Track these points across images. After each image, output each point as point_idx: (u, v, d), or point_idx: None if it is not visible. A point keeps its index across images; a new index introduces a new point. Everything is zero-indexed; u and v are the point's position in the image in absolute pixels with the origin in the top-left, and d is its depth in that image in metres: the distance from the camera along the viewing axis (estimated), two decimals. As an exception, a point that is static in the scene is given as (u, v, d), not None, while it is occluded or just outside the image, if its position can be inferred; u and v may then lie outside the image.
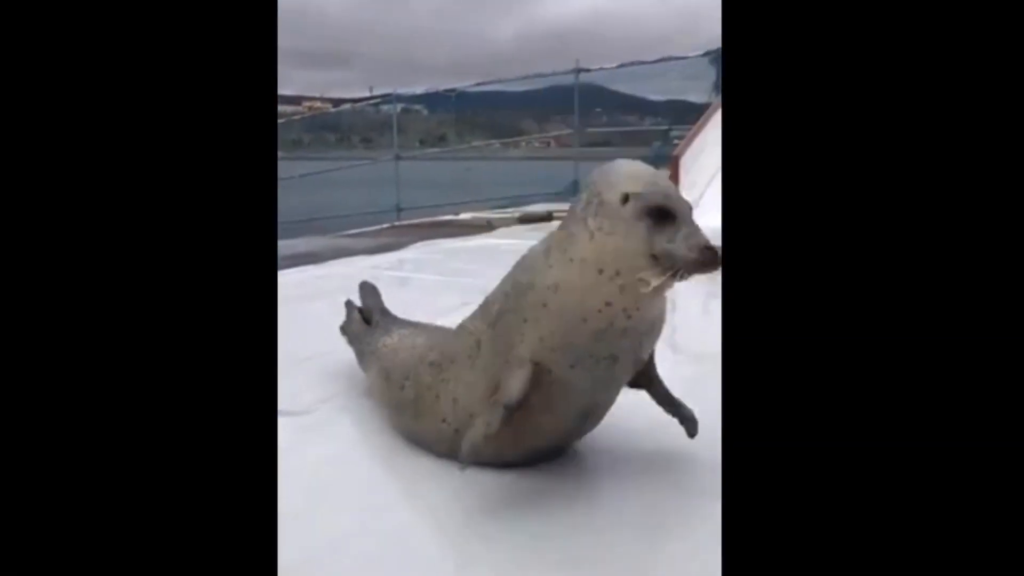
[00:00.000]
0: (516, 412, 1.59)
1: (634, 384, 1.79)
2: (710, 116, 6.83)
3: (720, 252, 1.40)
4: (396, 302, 2.68)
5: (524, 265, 1.69)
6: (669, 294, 1.60)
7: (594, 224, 1.53)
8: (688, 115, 8.74)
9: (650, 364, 1.80)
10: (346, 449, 1.98)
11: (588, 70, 11.00)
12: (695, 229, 1.48)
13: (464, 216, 9.50)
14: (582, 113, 11.35)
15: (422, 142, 14.36)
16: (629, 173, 1.56)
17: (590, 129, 11.99)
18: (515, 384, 1.60)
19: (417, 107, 13.72)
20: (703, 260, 1.44)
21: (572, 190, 11.02)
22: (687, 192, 6.55)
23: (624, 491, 1.70)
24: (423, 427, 1.87)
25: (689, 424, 1.82)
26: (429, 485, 1.73)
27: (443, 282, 4.68)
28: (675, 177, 5.96)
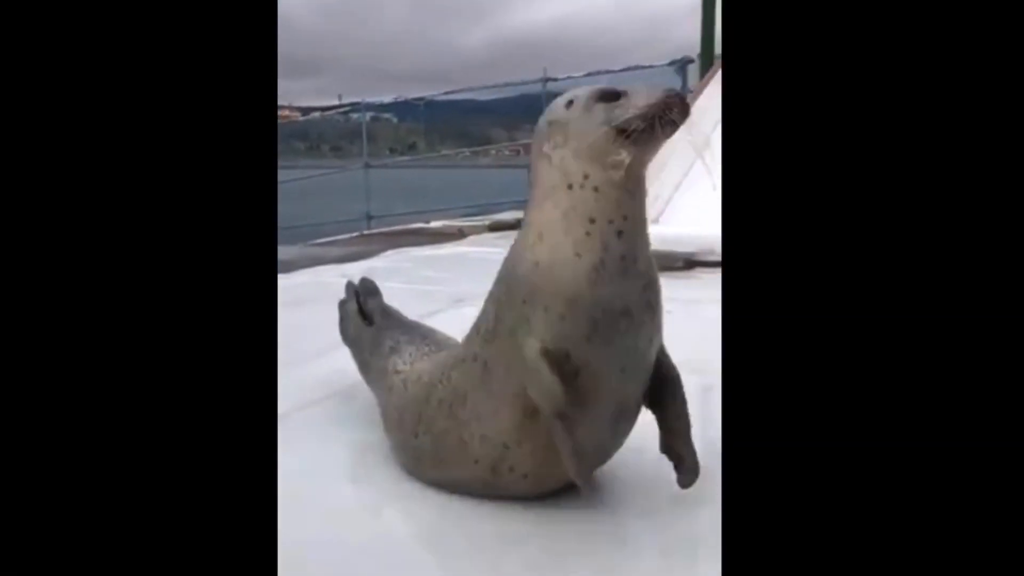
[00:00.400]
0: (568, 415, 1.42)
1: (654, 401, 1.59)
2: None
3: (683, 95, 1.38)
4: (367, 311, 2.68)
5: (506, 261, 1.57)
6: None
7: (549, 147, 1.47)
8: (655, 123, 8.84)
9: (669, 368, 1.60)
10: (319, 461, 1.96)
11: (556, 79, 11.07)
12: (648, 87, 1.43)
13: (435, 224, 9.49)
14: (551, 121, 11.40)
15: (392, 150, 14.38)
16: (562, 96, 1.52)
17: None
18: (545, 384, 1.42)
19: (387, 115, 13.75)
20: (668, 98, 1.38)
21: (542, 198, 11.04)
22: (652, 201, 6.57)
23: (625, 514, 1.59)
24: (451, 474, 1.67)
25: (687, 475, 1.59)
26: (421, 506, 1.66)
27: (414, 290, 4.67)
28: (642, 185, 6.01)
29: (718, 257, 5.43)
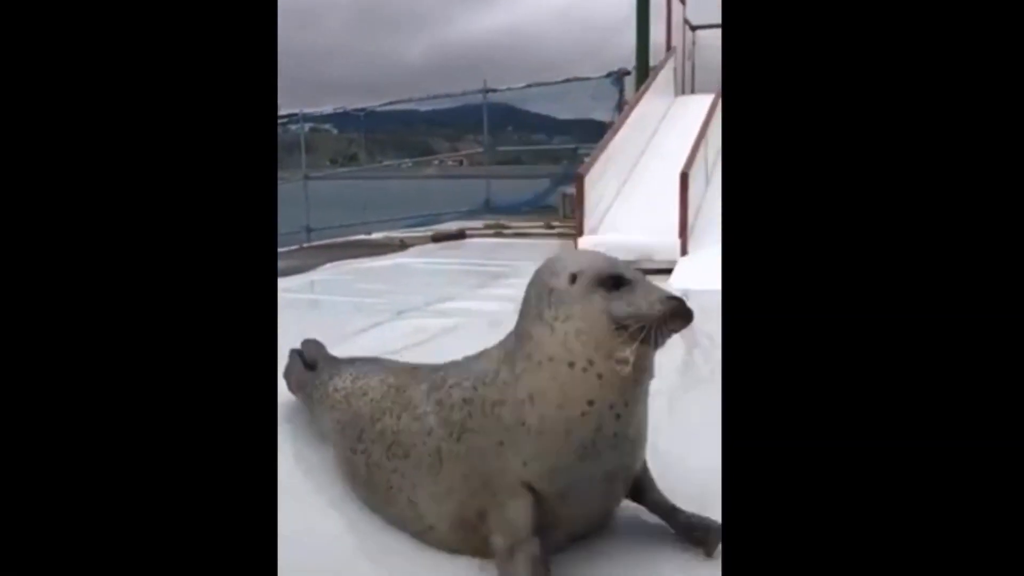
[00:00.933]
0: (540, 554, 1.40)
1: (630, 495, 1.61)
2: (613, 135, 7.04)
3: (685, 301, 1.34)
4: (306, 326, 2.63)
5: (481, 374, 1.50)
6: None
7: (550, 315, 1.40)
8: (595, 134, 8.98)
9: (644, 472, 1.61)
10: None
11: (496, 90, 11.14)
12: (652, 286, 1.39)
13: (376, 236, 9.41)
14: (493, 131, 11.46)
15: (332, 161, 14.14)
16: (570, 257, 1.50)
17: (501, 148, 12.12)
18: (521, 514, 1.41)
19: (326, 126, 13.52)
20: (671, 309, 1.33)
21: (484, 208, 11.11)
22: (591, 210, 6.67)
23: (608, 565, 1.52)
24: (378, 508, 1.69)
25: (708, 545, 1.52)
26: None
27: (355, 303, 4.62)
28: (580, 194, 6.10)
29: (657, 264, 5.56)
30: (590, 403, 1.38)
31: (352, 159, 13.33)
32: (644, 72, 9.51)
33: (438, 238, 8.32)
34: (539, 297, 1.44)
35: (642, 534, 1.59)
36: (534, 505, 1.41)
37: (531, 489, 1.42)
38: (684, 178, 5.79)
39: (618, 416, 1.40)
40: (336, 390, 1.95)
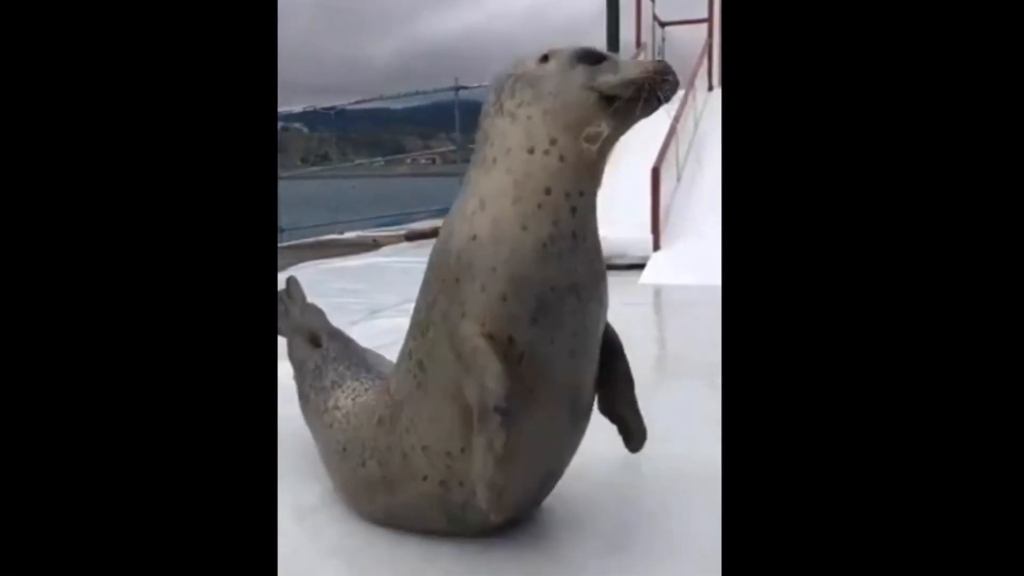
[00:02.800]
0: (511, 410, 1.22)
1: (602, 380, 1.44)
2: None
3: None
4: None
5: (439, 237, 1.38)
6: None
7: (513, 103, 1.28)
8: (567, 131, 9.00)
9: (609, 331, 1.44)
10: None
11: (468, 87, 11.11)
12: (632, 60, 1.29)
13: (349, 235, 9.34)
14: (465, 129, 11.44)
15: (303, 160, 14.03)
16: (535, 50, 1.34)
17: (473, 145, 12.09)
18: (485, 372, 1.22)
19: (296, 125, 13.42)
20: (661, 67, 1.24)
21: (458, 206, 11.06)
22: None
23: (614, 567, 1.45)
24: (404, 500, 1.47)
25: (635, 440, 1.49)
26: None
27: (328, 303, 4.57)
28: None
29: (629, 260, 5.58)
30: (547, 191, 1.25)
31: (323, 158, 13.23)
32: (615, 69, 9.54)
33: (411, 237, 8.28)
34: (499, 90, 1.31)
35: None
36: (495, 353, 1.23)
37: (496, 339, 1.24)
38: (655, 174, 5.83)
39: (573, 209, 1.26)
40: (337, 407, 1.72)
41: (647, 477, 1.79)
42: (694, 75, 8.16)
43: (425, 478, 1.40)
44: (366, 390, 1.69)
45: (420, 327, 1.38)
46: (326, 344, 1.95)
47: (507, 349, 1.25)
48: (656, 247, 5.68)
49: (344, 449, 1.63)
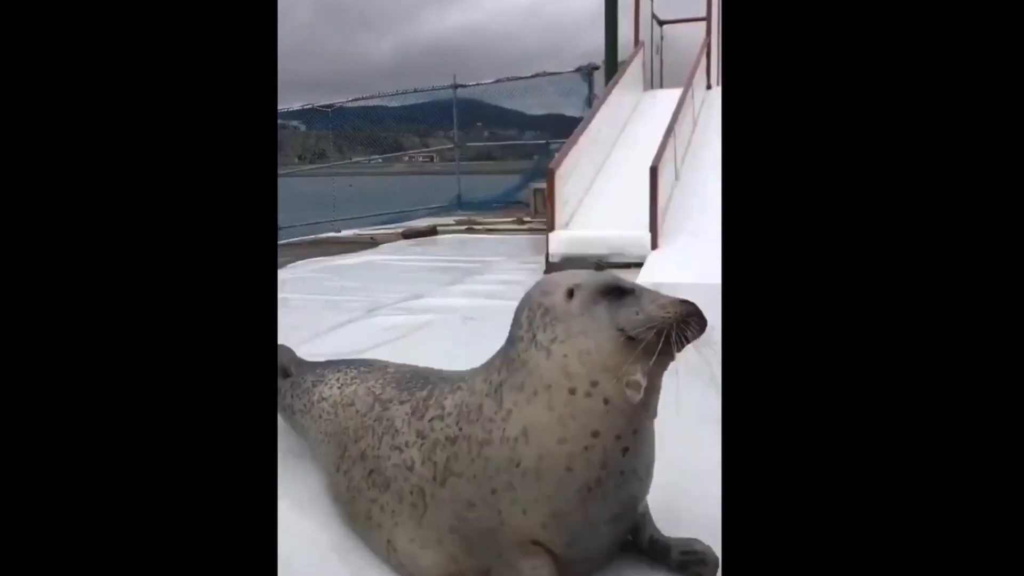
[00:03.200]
0: None
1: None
2: (583, 130, 7.06)
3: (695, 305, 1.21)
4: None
5: (464, 407, 1.34)
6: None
7: (546, 337, 1.25)
8: (565, 128, 9.01)
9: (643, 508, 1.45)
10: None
11: (466, 85, 11.11)
12: (658, 293, 1.26)
13: (346, 233, 9.34)
14: (464, 127, 11.44)
15: (300, 158, 13.98)
16: (563, 276, 1.34)
17: (471, 143, 12.10)
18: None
19: (294, 123, 13.35)
20: (686, 310, 1.21)
21: (455, 204, 11.09)
22: (562, 205, 6.67)
23: (612, 569, 1.44)
24: (360, 532, 1.56)
25: (700, 566, 1.41)
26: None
27: (326, 301, 4.59)
28: (551, 190, 6.11)
29: (627, 259, 5.58)
30: (594, 435, 1.21)
31: (321, 156, 13.20)
32: (613, 67, 9.56)
33: (409, 235, 8.28)
34: (531, 320, 1.29)
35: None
36: (551, 562, 1.26)
37: (541, 544, 1.27)
38: (654, 172, 5.82)
39: (625, 449, 1.24)
40: (323, 399, 1.78)
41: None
42: (692, 74, 8.16)
43: (378, 546, 1.48)
44: (352, 379, 1.74)
45: (430, 468, 1.36)
46: (295, 371, 2.05)
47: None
48: (654, 246, 5.68)
49: (328, 443, 1.67)
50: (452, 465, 1.32)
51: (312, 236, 9.19)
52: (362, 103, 12.63)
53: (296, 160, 13.43)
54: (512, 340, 1.31)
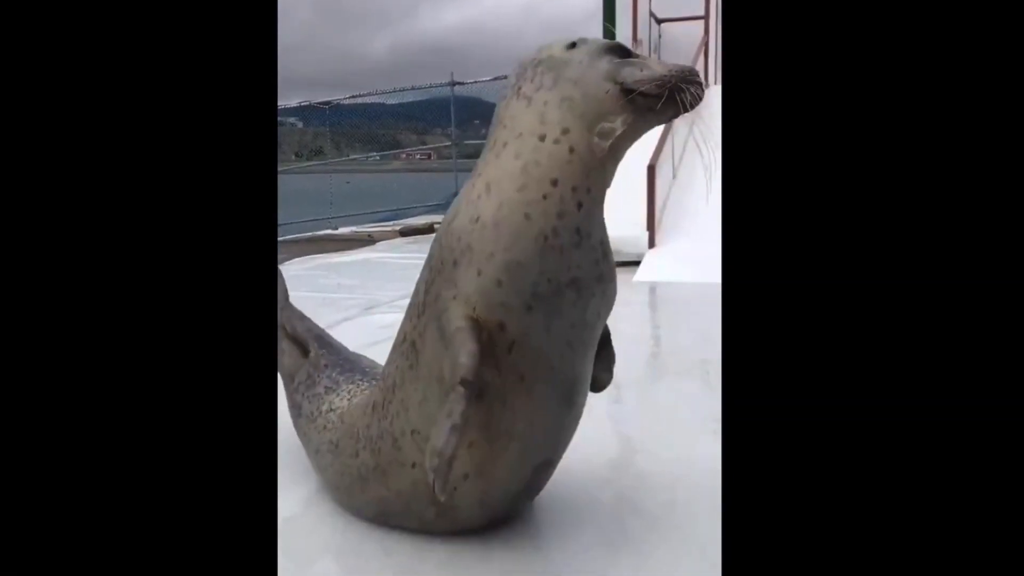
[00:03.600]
0: (475, 386, 1.22)
1: None
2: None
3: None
4: (274, 321, 2.58)
5: (444, 217, 1.36)
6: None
7: (531, 87, 1.26)
8: (563, 127, 9.00)
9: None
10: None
11: (464, 83, 11.10)
12: (661, 61, 1.27)
13: (343, 230, 9.33)
14: (461, 125, 11.42)
15: (298, 155, 13.97)
16: (565, 37, 1.32)
17: (469, 141, 12.09)
18: (460, 350, 1.21)
19: (291, 120, 13.34)
20: (687, 71, 1.22)
21: (453, 201, 11.05)
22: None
23: (610, 566, 1.43)
24: (395, 489, 1.44)
25: (604, 374, 1.47)
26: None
27: (322, 299, 4.58)
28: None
29: (624, 257, 5.58)
30: (553, 182, 1.22)
31: (318, 153, 13.19)
32: (611, 65, 9.54)
33: (406, 232, 8.28)
34: (520, 73, 1.29)
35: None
36: (479, 340, 1.22)
37: (485, 322, 1.23)
38: (651, 171, 5.82)
39: (580, 204, 1.24)
40: (332, 409, 1.69)
41: (644, 474, 1.79)
42: (690, 72, 8.15)
43: (414, 465, 1.38)
44: (362, 391, 1.67)
45: (416, 308, 1.37)
46: (315, 351, 1.90)
47: (496, 335, 1.24)
48: (651, 244, 5.68)
49: (337, 446, 1.61)
50: (429, 275, 1.32)
51: (309, 233, 9.18)
52: (360, 100, 12.63)
53: (293, 157, 13.42)
54: (495, 113, 1.32)
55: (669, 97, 1.21)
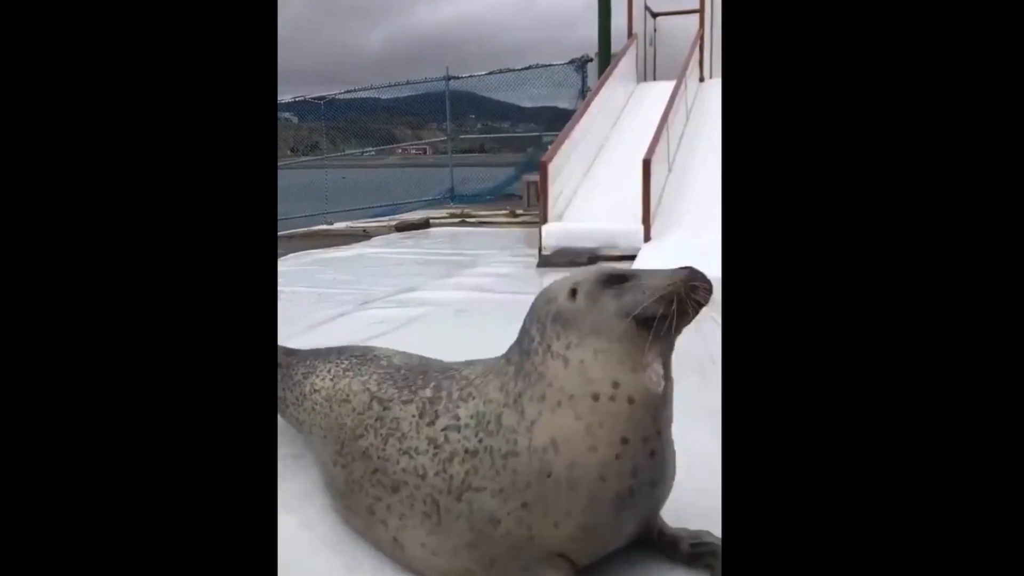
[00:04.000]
0: None
1: None
2: (576, 123, 7.05)
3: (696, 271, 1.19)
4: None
5: (480, 417, 1.30)
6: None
7: (560, 346, 1.24)
8: (558, 121, 9.00)
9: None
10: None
11: (458, 77, 11.08)
12: (656, 270, 1.25)
13: (339, 225, 9.31)
14: (457, 119, 11.42)
15: (293, 150, 13.95)
16: (560, 281, 1.32)
17: (464, 135, 12.08)
18: None
19: (286, 115, 13.32)
20: (688, 275, 1.19)
21: (448, 196, 11.07)
22: (555, 198, 6.66)
23: (607, 562, 1.40)
24: (358, 526, 1.53)
25: (714, 564, 1.40)
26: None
27: (318, 294, 4.57)
28: (543, 182, 6.10)
29: (620, 251, 5.59)
30: (624, 441, 1.20)
31: (313, 148, 13.16)
32: (606, 59, 9.54)
33: (402, 227, 8.26)
34: (542, 330, 1.27)
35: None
36: (573, 573, 1.25)
37: (565, 557, 1.25)
38: (647, 165, 5.82)
39: (652, 452, 1.23)
40: (315, 390, 1.74)
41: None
42: (685, 66, 8.15)
43: (380, 544, 1.46)
44: (344, 371, 1.70)
45: (445, 479, 1.32)
46: (285, 360, 1.97)
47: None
48: (647, 238, 5.69)
49: (325, 437, 1.64)
50: (471, 479, 1.28)
51: (304, 228, 9.16)
52: (355, 95, 12.61)
53: (289, 152, 13.39)
54: (526, 352, 1.29)
55: (680, 310, 1.18)
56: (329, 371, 1.75)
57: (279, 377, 1.93)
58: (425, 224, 8.62)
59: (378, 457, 1.45)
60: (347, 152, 13.33)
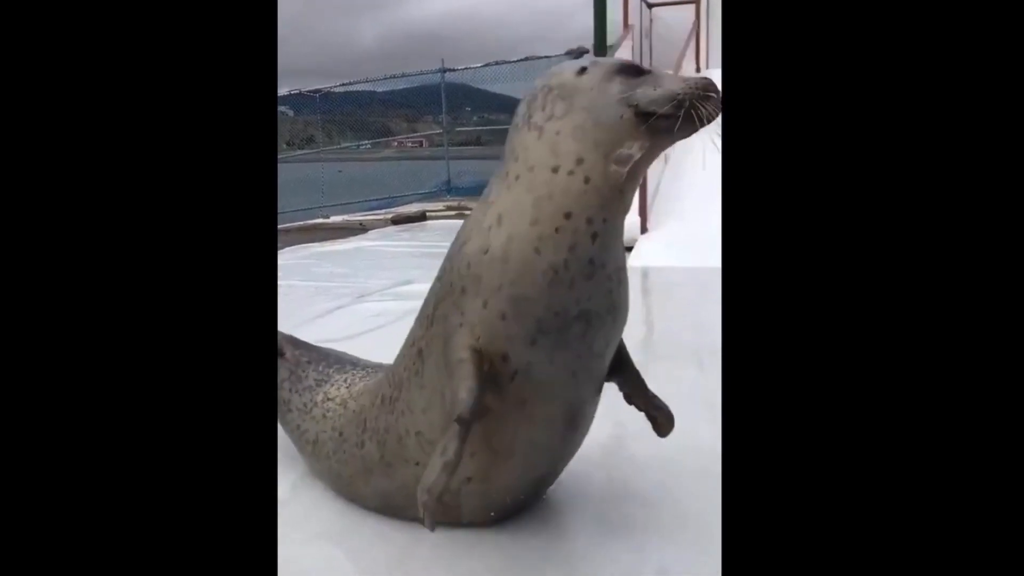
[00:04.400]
0: (472, 423, 1.21)
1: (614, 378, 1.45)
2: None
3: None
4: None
5: (456, 237, 1.31)
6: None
7: (543, 116, 1.21)
8: (554, 113, 8.96)
9: (621, 344, 1.41)
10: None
11: (454, 70, 11.05)
12: (674, 74, 1.22)
13: (335, 219, 9.30)
14: (452, 112, 11.38)
15: (289, 144, 13.89)
16: (571, 62, 1.27)
17: (460, 128, 12.04)
18: (461, 384, 1.20)
19: (282, 108, 13.25)
20: (704, 83, 1.15)
21: (445, 189, 11.05)
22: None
23: (605, 549, 1.43)
24: (399, 483, 1.44)
25: (663, 422, 1.46)
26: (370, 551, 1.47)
27: (314, 287, 4.57)
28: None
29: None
30: (567, 215, 1.17)
31: (309, 141, 13.11)
32: (602, 50, 9.51)
33: (398, 220, 8.25)
34: (531, 102, 1.25)
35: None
36: (482, 376, 1.21)
37: (489, 354, 1.22)
38: (643, 156, 5.80)
39: (594, 236, 1.19)
40: (328, 399, 1.69)
41: (638, 459, 1.79)
42: (682, 57, 8.13)
43: (417, 463, 1.38)
44: (361, 379, 1.68)
45: (425, 319, 1.37)
46: (292, 352, 1.91)
47: (500, 366, 1.23)
48: (643, 229, 5.68)
49: (341, 434, 1.60)
50: (439, 293, 1.30)
51: (301, 222, 9.15)
52: (350, 88, 12.56)
53: (285, 146, 13.33)
54: (507, 141, 1.27)
55: (686, 117, 1.15)
56: (346, 380, 1.71)
57: (288, 376, 1.86)
58: (422, 217, 8.61)
59: (390, 382, 1.46)
60: (343, 145, 13.28)
